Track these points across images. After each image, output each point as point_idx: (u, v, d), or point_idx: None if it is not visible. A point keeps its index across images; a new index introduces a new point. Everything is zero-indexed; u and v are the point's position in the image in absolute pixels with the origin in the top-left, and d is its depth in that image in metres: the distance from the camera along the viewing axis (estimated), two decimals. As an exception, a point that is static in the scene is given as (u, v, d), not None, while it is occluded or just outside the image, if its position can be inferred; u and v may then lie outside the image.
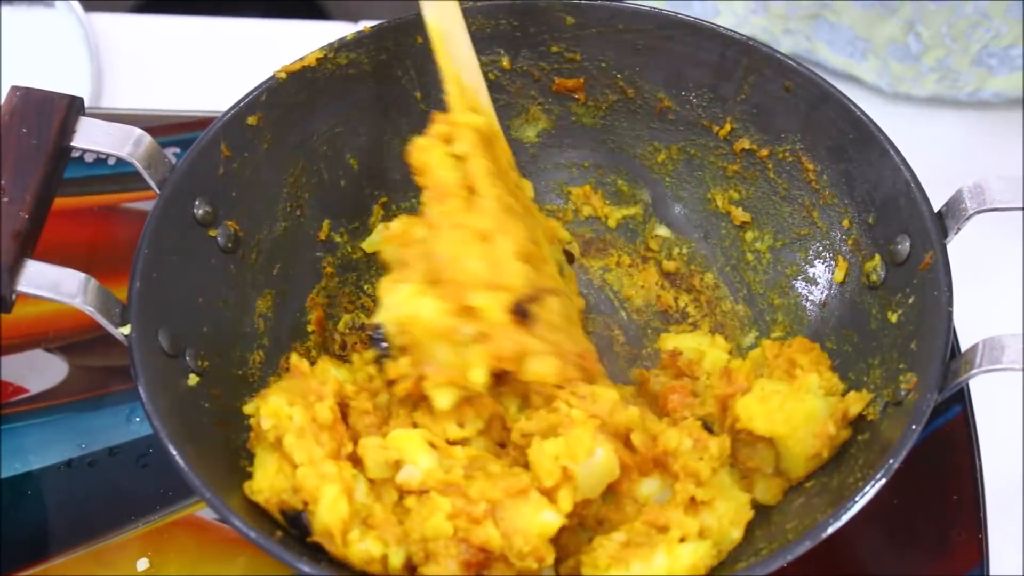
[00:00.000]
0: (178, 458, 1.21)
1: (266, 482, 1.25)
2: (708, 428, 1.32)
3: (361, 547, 1.21)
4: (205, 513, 1.43)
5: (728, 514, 1.26)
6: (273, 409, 1.26)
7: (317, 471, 1.23)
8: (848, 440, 1.29)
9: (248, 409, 1.33)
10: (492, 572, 1.23)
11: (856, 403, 1.29)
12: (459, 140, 1.34)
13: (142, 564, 1.39)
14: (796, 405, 1.28)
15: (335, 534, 1.21)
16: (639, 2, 1.49)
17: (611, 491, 1.28)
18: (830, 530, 1.17)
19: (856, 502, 1.18)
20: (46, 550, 1.41)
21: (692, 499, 1.26)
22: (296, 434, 1.24)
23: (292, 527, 1.25)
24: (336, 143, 1.50)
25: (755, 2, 1.87)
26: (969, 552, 1.38)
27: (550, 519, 1.22)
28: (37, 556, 1.40)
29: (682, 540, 1.23)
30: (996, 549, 1.41)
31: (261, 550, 1.18)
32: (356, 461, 1.27)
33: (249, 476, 1.29)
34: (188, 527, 1.42)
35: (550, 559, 1.23)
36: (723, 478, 1.28)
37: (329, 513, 1.21)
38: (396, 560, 1.22)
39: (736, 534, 1.26)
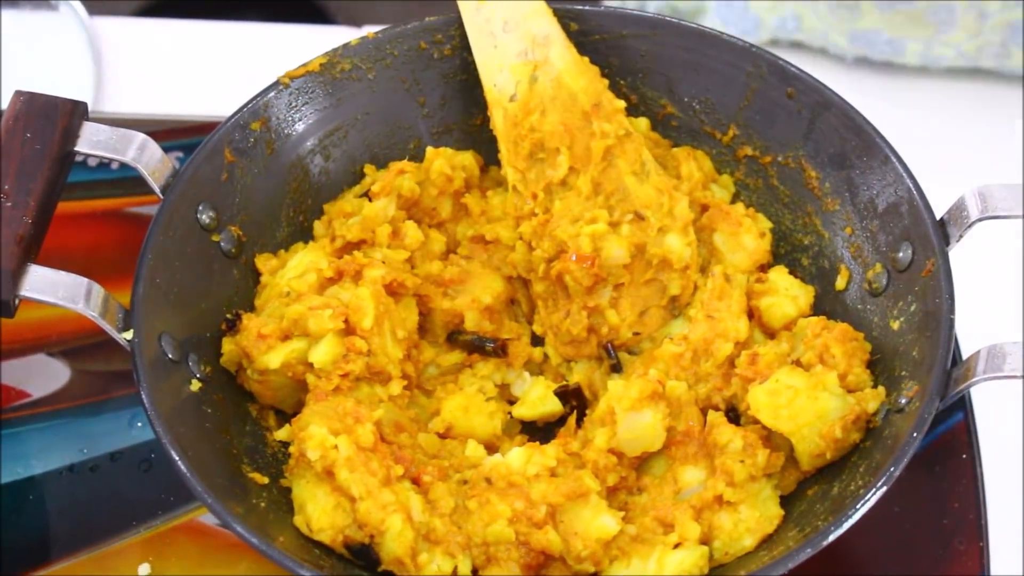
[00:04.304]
0: (180, 463, 1.22)
1: (326, 520, 1.25)
2: (733, 409, 1.34)
3: (433, 567, 1.24)
4: (207, 518, 1.42)
5: (748, 522, 1.27)
6: (318, 440, 1.26)
7: (377, 503, 1.24)
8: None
9: (280, 435, 1.34)
10: (550, 573, 1.26)
11: (872, 400, 1.29)
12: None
13: (143, 569, 1.39)
14: (807, 403, 1.28)
15: (406, 561, 1.23)
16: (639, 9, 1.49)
17: (656, 462, 1.34)
18: (831, 537, 1.17)
19: (857, 509, 1.18)
20: (48, 555, 1.41)
21: (720, 497, 1.27)
22: (348, 467, 1.25)
23: (358, 559, 1.26)
24: (340, 148, 1.50)
25: None
26: (970, 561, 1.38)
27: (608, 524, 1.26)
28: (39, 561, 1.40)
29: (677, 546, 1.25)
30: (997, 558, 1.41)
31: (263, 556, 1.19)
32: (407, 476, 1.30)
33: (252, 481, 1.30)
34: (190, 532, 1.42)
35: (606, 563, 1.26)
36: (761, 487, 1.29)
37: (397, 543, 1.23)
38: (464, 568, 1.25)
39: (749, 541, 1.26)
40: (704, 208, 1.46)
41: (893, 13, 1.81)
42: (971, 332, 1.47)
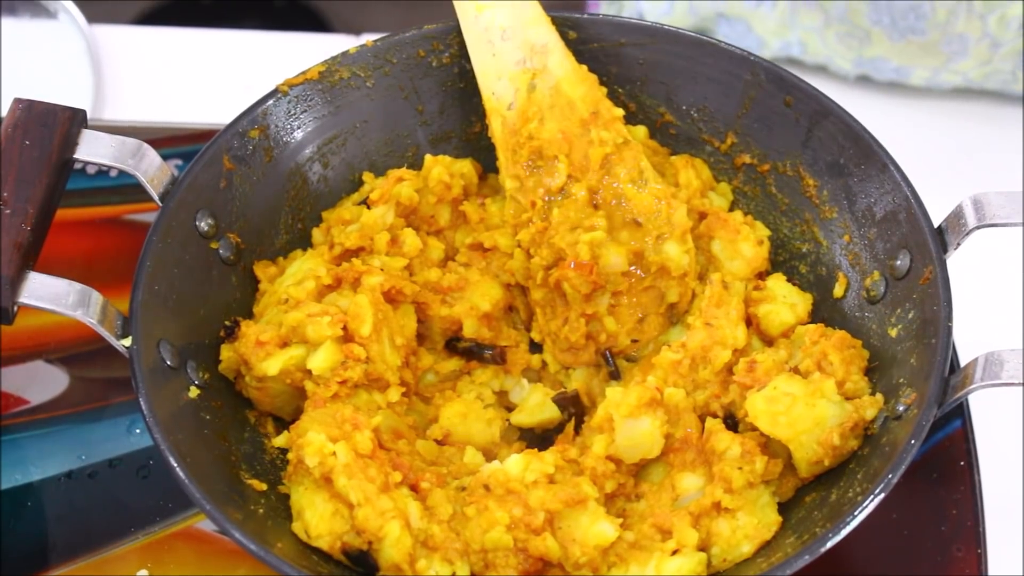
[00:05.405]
0: (178, 470, 1.22)
1: (325, 526, 1.25)
2: (731, 416, 1.34)
3: (431, 573, 1.24)
4: (205, 525, 1.43)
5: (746, 528, 1.27)
6: (317, 447, 1.26)
7: (376, 509, 1.24)
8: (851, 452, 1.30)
9: (278, 442, 1.35)
10: None
11: (871, 407, 1.29)
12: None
13: (141, 575, 1.39)
14: (805, 410, 1.28)
15: (404, 567, 1.24)
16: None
17: (655, 469, 1.34)
18: (829, 544, 1.18)
19: (855, 516, 1.18)
20: (46, 561, 1.41)
21: (718, 503, 1.27)
22: (346, 473, 1.25)
23: (356, 565, 1.26)
24: (338, 156, 1.50)
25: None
26: (968, 567, 1.38)
27: (606, 530, 1.26)
28: (37, 567, 1.40)
29: (675, 552, 1.25)
30: (995, 565, 1.41)
31: (261, 562, 1.19)
32: (405, 483, 1.30)
33: (250, 488, 1.30)
34: (188, 539, 1.42)
35: (604, 569, 1.26)
36: (759, 494, 1.29)
37: (395, 549, 1.23)
38: (463, 572, 1.25)
39: (747, 548, 1.26)
40: (702, 216, 1.46)
41: (905, 43, 1.81)
42: (969, 339, 1.48)
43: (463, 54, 1.49)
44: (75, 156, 1.34)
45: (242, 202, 1.43)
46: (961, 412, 1.45)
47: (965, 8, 1.75)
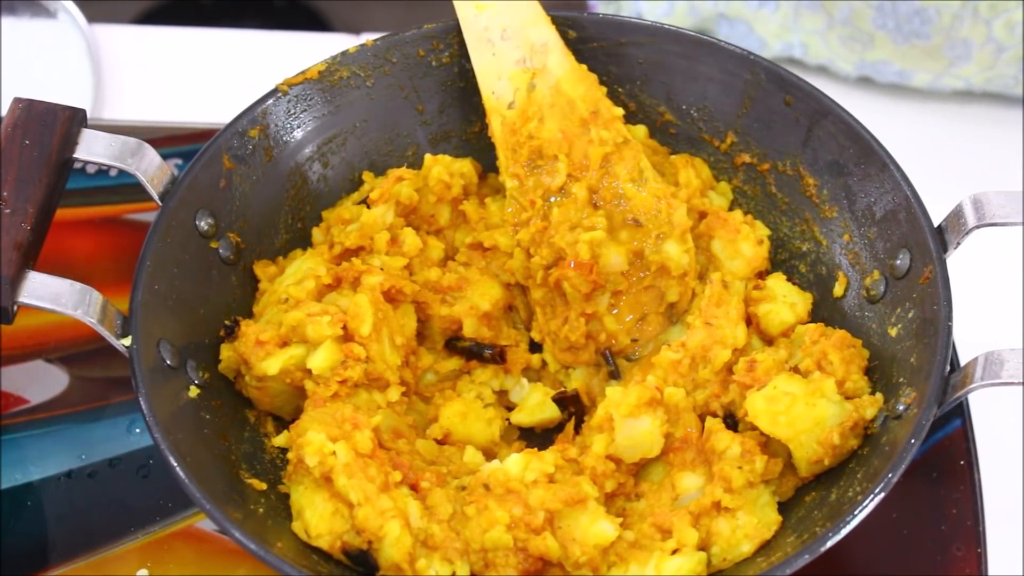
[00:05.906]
0: (178, 469, 1.22)
1: (324, 526, 1.25)
2: (731, 416, 1.34)
3: (431, 572, 1.24)
4: (205, 524, 1.42)
5: (746, 528, 1.27)
6: (316, 446, 1.26)
7: (376, 509, 1.24)
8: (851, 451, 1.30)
9: (279, 441, 1.35)
10: None
11: (870, 407, 1.29)
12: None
13: (141, 575, 1.39)
14: (805, 410, 1.28)
15: (404, 567, 1.23)
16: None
17: (655, 468, 1.34)
18: (829, 544, 1.18)
19: (855, 516, 1.18)
20: (46, 561, 1.41)
21: (718, 503, 1.27)
22: (346, 473, 1.25)
23: (356, 564, 1.26)
24: (338, 155, 1.50)
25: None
26: (968, 567, 1.38)
27: (606, 529, 1.26)
28: (37, 566, 1.40)
29: (675, 552, 1.25)
30: (995, 564, 1.41)
31: (261, 562, 1.19)
32: (405, 481, 1.30)
33: (250, 487, 1.30)
34: (188, 538, 1.42)
35: (604, 568, 1.26)
36: (759, 494, 1.29)
37: (395, 549, 1.23)
38: (463, 573, 1.25)
39: (747, 548, 1.26)
40: (702, 215, 1.47)
41: (908, 47, 1.81)
42: (969, 339, 1.48)
43: (463, 53, 1.49)
44: (75, 156, 1.34)
45: (242, 202, 1.43)
46: (961, 411, 1.45)
47: (971, 13, 1.75)
